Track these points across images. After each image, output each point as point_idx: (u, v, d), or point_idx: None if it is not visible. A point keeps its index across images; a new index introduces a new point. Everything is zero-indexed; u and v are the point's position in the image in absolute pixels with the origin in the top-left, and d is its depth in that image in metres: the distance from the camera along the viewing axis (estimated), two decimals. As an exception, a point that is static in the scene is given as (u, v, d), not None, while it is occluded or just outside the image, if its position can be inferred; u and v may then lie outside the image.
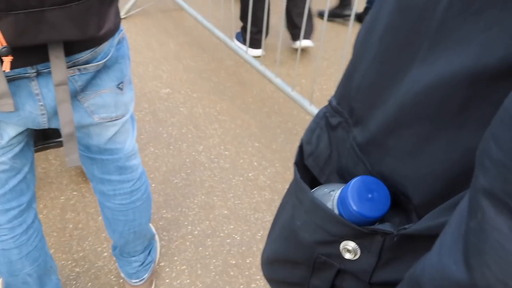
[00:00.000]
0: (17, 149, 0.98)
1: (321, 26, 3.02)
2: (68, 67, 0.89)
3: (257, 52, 2.54)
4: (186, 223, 1.71)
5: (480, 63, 0.29)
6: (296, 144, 2.11)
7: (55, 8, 0.73)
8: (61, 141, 1.61)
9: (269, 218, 1.76)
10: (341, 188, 0.42)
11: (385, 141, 0.39)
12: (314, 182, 0.49)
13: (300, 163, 0.51)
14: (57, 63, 0.85)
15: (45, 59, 0.85)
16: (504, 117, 0.24)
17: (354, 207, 0.39)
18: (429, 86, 0.33)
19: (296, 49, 2.77)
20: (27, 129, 0.99)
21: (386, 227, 0.39)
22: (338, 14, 3.12)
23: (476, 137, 0.30)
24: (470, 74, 0.30)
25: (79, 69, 0.91)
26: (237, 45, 2.48)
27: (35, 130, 1.06)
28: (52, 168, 1.88)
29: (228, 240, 1.66)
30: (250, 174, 1.93)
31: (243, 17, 2.53)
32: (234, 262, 1.60)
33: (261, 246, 1.65)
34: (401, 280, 0.36)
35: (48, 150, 1.94)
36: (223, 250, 1.63)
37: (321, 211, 0.43)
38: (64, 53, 0.85)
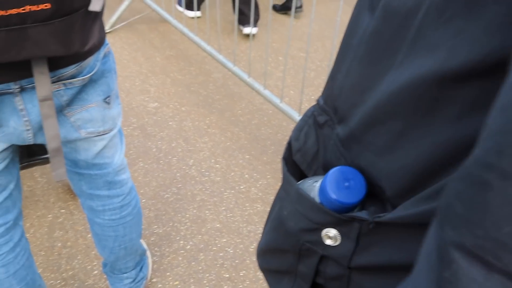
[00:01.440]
0: (1, 165, 0.96)
1: (307, 36, 3.05)
2: (53, 82, 0.87)
3: (192, 13, 2.96)
4: (178, 237, 1.68)
5: (445, 66, 0.32)
6: (287, 154, 2.10)
7: (38, 25, 0.71)
8: (46, 158, 1.58)
9: (262, 230, 1.74)
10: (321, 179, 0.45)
11: (364, 137, 0.41)
12: (302, 177, 0.52)
13: (289, 159, 0.54)
14: (41, 79, 0.84)
15: (29, 74, 0.83)
16: (464, 175, 0.26)
17: (332, 195, 0.42)
18: (402, 87, 0.36)
19: (281, 61, 2.78)
20: (12, 145, 0.97)
21: (362, 214, 0.41)
22: (288, 7, 3.24)
23: (443, 133, 0.34)
24: (437, 76, 0.33)
25: (64, 84, 0.90)
26: (177, 9, 2.89)
27: (20, 146, 1.04)
28: (38, 186, 1.85)
29: (221, 254, 1.64)
30: (241, 187, 1.91)
31: None
32: (227, 275, 1.57)
33: (254, 258, 1.63)
34: (377, 265, 0.41)
35: (33, 168, 1.91)
36: (216, 264, 1.60)
37: (304, 201, 0.46)
38: (49, 68, 0.84)
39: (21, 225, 1.09)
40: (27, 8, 0.67)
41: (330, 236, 0.44)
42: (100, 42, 0.92)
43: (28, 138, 0.92)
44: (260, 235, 1.71)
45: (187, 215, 1.77)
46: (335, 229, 0.43)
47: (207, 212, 1.79)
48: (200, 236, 1.70)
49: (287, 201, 0.49)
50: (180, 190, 1.88)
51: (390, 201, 0.40)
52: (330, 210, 0.43)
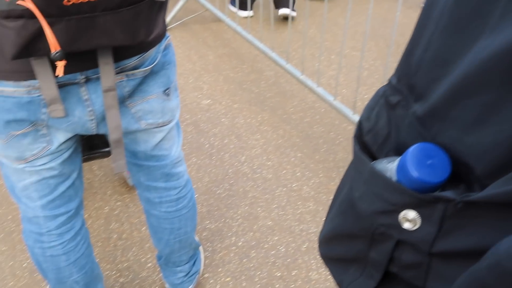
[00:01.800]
0: (66, 155, 0.98)
1: (360, 35, 2.97)
2: (116, 73, 0.88)
3: (246, 13, 3.01)
4: (230, 234, 1.68)
5: None
6: (340, 154, 2.05)
7: (107, 14, 0.72)
8: (106, 152, 1.62)
9: (314, 229, 1.70)
10: (399, 158, 0.42)
11: (448, 113, 0.38)
12: (373, 160, 0.50)
13: (359, 139, 0.51)
14: (106, 69, 0.85)
15: (94, 65, 0.85)
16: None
17: (414, 173, 0.38)
18: (495, 53, 0.33)
19: (334, 60, 2.72)
20: (76, 135, 0.99)
21: (448, 194, 0.38)
22: None
23: None
24: None
25: (127, 75, 0.91)
26: (231, 9, 2.89)
27: (82, 139, 1.07)
28: (96, 178, 1.90)
29: (272, 252, 1.62)
30: (293, 185, 1.88)
31: None
32: (279, 274, 1.55)
33: (307, 258, 1.60)
34: (463, 250, 0.37)
35: (92, 161, 1.97)
36: (267, 262, 1.58)
37: (380, 180, 0.42)
38: (113, 59, 0.85)
39: (82, 214, 1.12)
40: None
41: (409, 219, 0.40)
42: (163, 33, 0.93)
43: (91, 128, 0.94)
44: (313, 234, 1.68)
45: (239, 212, 1.76)
46: (415, 211, 0.40)
47: (259, 209, 1.78)
48: (251, 233, 1.68)
49: (359, 182, 0.46)
50: (232, 186, 1.87)
51: (480, 181, 0.37)
52: (410, 189, 0.39)
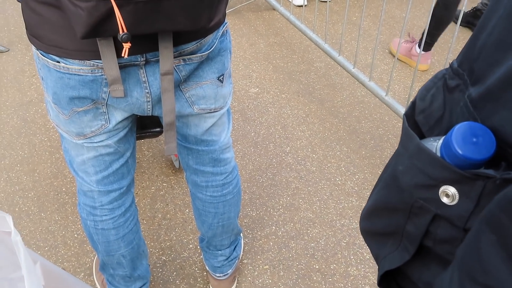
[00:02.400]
0: (122, 133, 1.02)
1: (417, 29, 2.87)
2: (174, 57, 0.90)
3: (300, 1, 2.97)
4: (270, 223, 1.69)
5: None
6: (387, 151, 2.01)
7: None
8: (156, 131, 1.67)
9: (355, 225, 1.69)
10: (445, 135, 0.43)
11: (502, 94, 0.39)
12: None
13: (411, 117, 0.52)
14: (165, 53, 0.87)
15: (155, 48, 0.87)
16: None
17: (458, 149, 0.40)
18: None
19: (390, 54, 2.65)
20: (132, 115, 1.03)
21: (489, 171, 0.39)
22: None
23: None
24: None
25: (184, 59, 0.93)
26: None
27: (136, 118, 1.10)
28: (145, 158, 1.96)
29: (312, 244, 1.62)
30: (337, 179, 1.87)
31: None
32: (317, 267, 1.55)
33: (346, 253, 1.59)
34: None
35: (142, 141, 2.03)
36: (306, 253, 1.59)
37: (424, 154, 0.43)
38: (172, 43, 0.87)
39: (132, 191, 1.16)
40: None
41: (448, 194, 0.42)
42: (222, 20, 0.94)
43: (147, 109, 0.97)
44: (354, 230, 1.66)
45: (281, 202, 1.77)
46: (454, 187, 0.41)
47: (300, 200, 1.78)
48: (292, 224, 1.69)
49: (404, 157, 0.48)
50: (275, 176, 1.88)
51: None
52: (452, 165, 0.41)
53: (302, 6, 2.65)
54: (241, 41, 2.77)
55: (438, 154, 0.43)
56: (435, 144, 0.45)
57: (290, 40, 2.79)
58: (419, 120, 0.51)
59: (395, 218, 0.50)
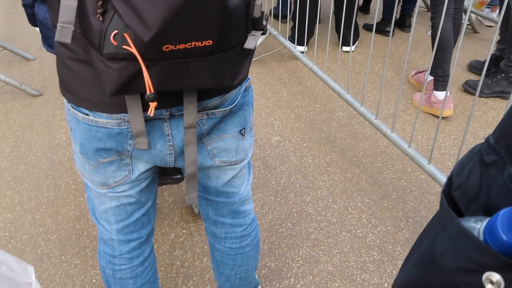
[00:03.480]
0: (144, 184, 1.04)
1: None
2: (198, 111, 0.93)
3: (302, 48, 2.97)
4: (289, 275, 1.66)
5: None
6: (410, 204, 1.97)
7: (198, 59, 0.76)
8: (177, 178, 1.69)
9: (377, 280, 1.64)
10: (488, 219, 0.42)
11: None
12: (458, 216, 0.49)
13: (448, 194, 0.51)
14: (190, 108, 0.90)
15: (180, 103, 0.90)
16: None
17: (503, 236, 0.39)
18: None
19: (410, 104, 2.65)
20: (155, 166, 1.05)
21: None
22: (381, 29, 3.38)
23: None
24: None
25: (207, 114, 0.95)
26: (290, 43, 2.92)
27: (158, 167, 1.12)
28: (166, 204, 1.98)
29: (331, 299, 1.57)
30: (358, 231, 1.83)
31: (294, 18, 3.06)
32: (337, 324, 1.50)
33: (367, 311, 1.53)
34: None
35: (163, 187, 2.06)
36: (325, 309, 1.54)
37: (466, 238, 0.42)
38: (196, 98, 0.90)
39: (152, 241, 1.17)
40: (193, 43, 0.72)
41: (493, 281, 0.40)
42: (246, 77, 0.97)
43: (170, 161, 0.99)
44: (375, 285, 1.61)
45: (300, 253, 1.74)
46: (500, 273, 0.40)
47: (320, 252, 1.74)
48: (311, 277, 1.65)
49: (443, 236, 0.47)
50: (295, 226, 1.86)
51: None
52: (497, 251, 0.39)
53: (303, 52, 2.74)
54: (264, 89, 2.83)
55: (481, 237, 0.41)
56: (477, 227, 0.43)
57: (312, 89, 2.84)
58: (456, 196, 0.50)
59: None
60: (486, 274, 0.41)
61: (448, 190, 0.51)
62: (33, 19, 1.79)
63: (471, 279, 0.42)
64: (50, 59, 3.20)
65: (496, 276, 0.40)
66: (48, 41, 1.83)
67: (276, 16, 3.61)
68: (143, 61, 0.72)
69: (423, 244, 0.52)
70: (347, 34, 3.06)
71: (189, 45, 0.72)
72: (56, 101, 2.74)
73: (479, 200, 0.47)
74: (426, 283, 0.49)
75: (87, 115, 0.90)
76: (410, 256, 0.55)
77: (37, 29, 1.85)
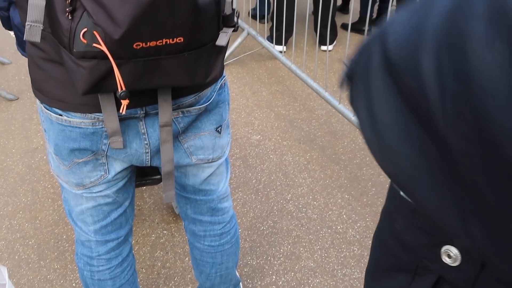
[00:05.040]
0: (121, 183, 1.04)
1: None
2: (173, 110, 0.93)
3: (280, 47, 3.04)
4: (271, 272, 1.67)
5: None
6: (389, 198, 2.00)
7: (170, 57, 0.77)
8: (156, 179, 1.69)
9: (358, 275, 1.66)
10: None
11: None
12: None
13: None
14: (165, 106, 0.90)
15: (154, 101, 0.90)
16: None
17: None
18: None
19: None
20: (131, 166, 1.05)
21: None
22: (358, 28, 3.34)
23: None
24: None
25: (182, 112, 0.96)
26: (269, 44, 2.95)
27: (136, 167, 1.12)
28: (146, 206, 1.97)
29: (313, 295, 1.58)
30: (338, 227, 1.86)
31: (272, 18, 3.22)
32: (318, 319, 1.51)
33: (348, 305, 1.55)
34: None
35: (143, 188, 2.04)
36: (307, 304, 1.55)
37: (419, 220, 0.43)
38: (171, 96, 0.90)
39: (130, 241, 1.16)
40: (164, 41, 0.73)
41: (451, 254, 0.41)
42: (220, 74, 0.97)
43: (146, 160, 0.99)
44: (356, 280, 1.63)
45: (281, 250, 1.75)
46: (457, 247, 0.40)
47: (301, 249, 1.76)
48: (292, 274, 1.66)
49: (398, 214, 0.47)
50: (276, 223, 1.87)
51: None
52: None
53: (282, 52, 2.77)
54: (244, 89, 2.84)
55: None
56: None
57: (292, 88, 2.86)
58: None
59: (400, 279, 0.49)
60: (445, 248, 0.41)
61: None
62: (7, 23, 1.76)
63: (430, 254, 0.43)
64: (26, 63, 3.15)
65: (454, 250, 0.40)
66: (23, 46, 1.81)
67: (254, 17, 3.62)
68: (114, 59, 0.72)
69: (380, 224, 0.53)
70: (324, 33, 3.09)
71: (160, 43, 0.72)
72: (33, 105, 2.70)
73: None
74: (391, 263, 0.50)
75: (60, 115, 0.89)
76: (373, 242, 0.57)
77: (12, 33, 1.82)
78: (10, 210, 1.94)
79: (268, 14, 3.68)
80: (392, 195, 0.50)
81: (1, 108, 2.68)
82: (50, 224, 1.87)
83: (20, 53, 2.04)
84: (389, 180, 1.97)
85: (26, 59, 3.19)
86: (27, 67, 3.08)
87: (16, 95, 2.77)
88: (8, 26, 1.79)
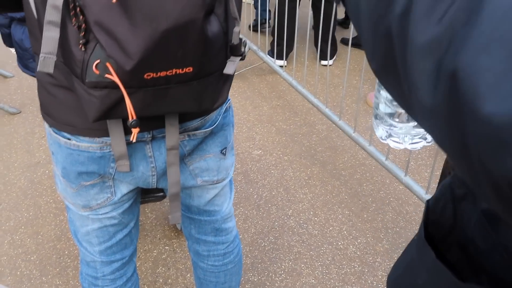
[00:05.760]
0: (126, 205, 1.05)
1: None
2: (179, 133, 0.95)
3: (281, 62, 3.12)
4: (272, 289, 1.68)
5: None
6: (389, 214, 2.01)
7: (178, 85, 0.78)
8: (159, 196, 1.70)
9: (359, 292, 1.67)
10: None
11: None
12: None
13: (426, 227, 0.52)
14: (171, 130, 0.92)
15: (161, 125, 0.92)
16: None
17: None
18: None
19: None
20: (137, 188, 1.06)
21: None
22: (358, 44, 3.40)
23: None
24: None
25: (188, 135, 0.97)
26: (269, 58, 3.02)
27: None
28: (148, 221, 1.98)
29: (314, 312, 1.59)
30: (339, 243, 1.87)
31: (273, 32, 3.23)
32: (320, 337, 1.52)
33: (349, 322, 1.56)
34: None
35: (146, 204, 2.05)
36: (309, 322, 1.56)
37: (445, 274, 0.44)
38: (178, 120, 0.92)
39: (134, 261, 1.17)
40: (174, 71, 0.74)
41: None
42: (226, 99, 0.99)
43: (152, 182, 1.00)
44: (357, 297, 1.64)
45: (283, 266, 1.76)
46: None
47: (302, 265, 1.77)
48: (294, 290, 1.67)
49: (421, 269, 0.48)
50: (277, 239, 1.88)
51: None
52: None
53: (283, 66, 2.81)
54: (245, 103, 2.86)
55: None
56: None
57: (292, 103, 2.88)
58: (431, 231, 0.51)
59: None
60: None
61: (426, 221, 0.52)
62: (8, 40, 1.78)
63: None
64: (28, 77, 3.17)
65: None
66: (24, 62, 1.83)
67: (255, 28, 3.63)
68: (125, 88, 0.74)
69: (401, 275, 0.53)
70: (325, 48, 3.12)
71: (170, 72, 0.74)
72: (35, 119, 2.72)
73: (454, 234, 0.48)
74: None
75: (69, 139, 0.91)
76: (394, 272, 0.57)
77: (13, 49, 1.84)
78: (12, 225, 1.95)
79: (269, 19, 3.74)
80: (421, 245, 0.50)
81: (3, 122, 2.70)
82: (52, 240, 1.88)
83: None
84: (390, 196, 1.96)
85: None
86: (30, 81, 3.10)
87: (18, 109, 2.79)
88: (9, 43, 1.81)
